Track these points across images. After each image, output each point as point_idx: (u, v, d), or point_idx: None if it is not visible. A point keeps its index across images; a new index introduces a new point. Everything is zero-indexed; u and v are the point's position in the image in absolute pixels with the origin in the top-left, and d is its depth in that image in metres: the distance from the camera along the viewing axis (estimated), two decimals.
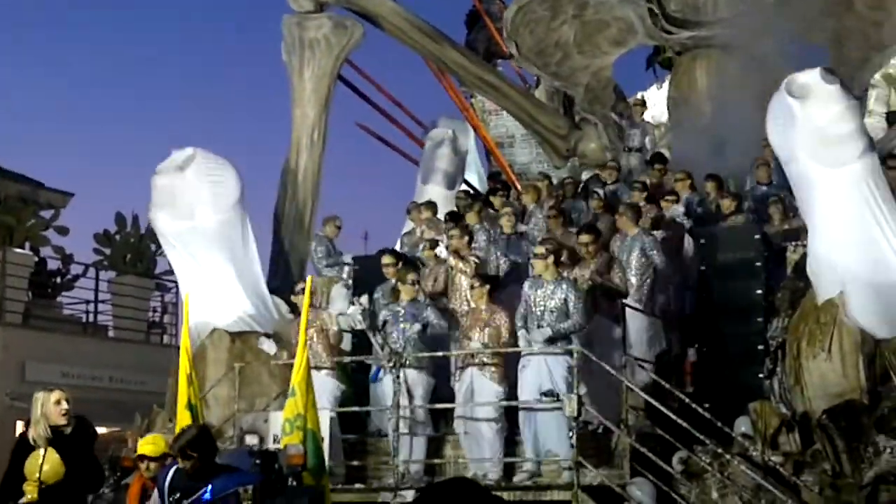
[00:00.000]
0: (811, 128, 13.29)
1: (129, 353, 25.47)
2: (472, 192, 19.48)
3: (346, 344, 15.50)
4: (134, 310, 27.71)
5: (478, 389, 13.65)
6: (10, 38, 62.78)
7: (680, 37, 20.84)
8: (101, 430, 21.36)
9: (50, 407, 10.05)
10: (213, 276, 15.85)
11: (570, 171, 20.73)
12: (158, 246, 27.49)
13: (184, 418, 12.00)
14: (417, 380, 13.76)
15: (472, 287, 14.05)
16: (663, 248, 15.21)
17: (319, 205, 18.17)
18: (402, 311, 14.11)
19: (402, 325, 13.98)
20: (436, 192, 19.34)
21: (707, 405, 13.89)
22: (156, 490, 9.72)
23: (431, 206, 17.50)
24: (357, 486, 13.80)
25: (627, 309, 14.40)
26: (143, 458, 10.73)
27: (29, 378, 24.07)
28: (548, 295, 13.48)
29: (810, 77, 13.52)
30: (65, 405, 10.05)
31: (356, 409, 14.21)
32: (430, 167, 20.14)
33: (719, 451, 13.14)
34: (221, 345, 15.55)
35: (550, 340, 13.39)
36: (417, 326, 13.92)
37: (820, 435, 13.16)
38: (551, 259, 13.54)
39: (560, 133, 21.12)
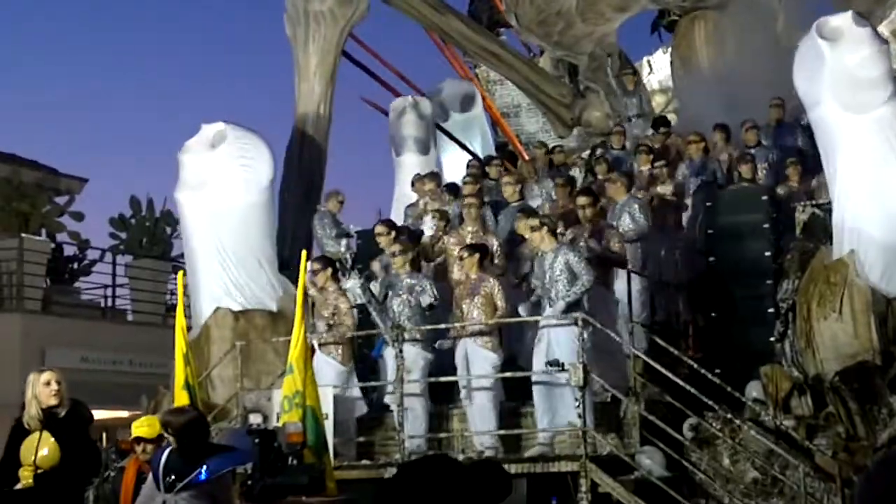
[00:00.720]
0: (840, 70, 12.95)
1: (149, 337, 25.09)
2: (479, 160, 18.84)
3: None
4: (152, 293, 27.37)
5: (472, 359, 13.24)
6: (21, 24, 62.54)
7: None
8: (123, 413, 21.21)
9: (40, 388, 9.77)
10: (226, 255, 15.35)
11: (576, 141, 20.20)
12: (174, 229, 27.28)
13: (181, 398, 11.67)
14: (415, 354, 13.31)
15: (460, 258, 13.59)
16: (667, 212, 14.76)
17: (327, 179, 17.73)
18: (398, 284, 13.69)
19: (398, 298, 13.55)
20: (411, 160, 18.89)
21: (717, 371, 13.46)
22: (151, 473, 9.40)
23: (435, 177, 17.01)
24: (364, 462, 13.38)
25: (622, 274, 13.96)
26: (139, 440, 10.46)
27: (49, 364, 23.86)
28: (549, 265, 13.06)
29: (842, 20, 13.18)
30: (55, 386, 9.77)
31: (360, 384, 13.76)
32: (399, 138, 19.55)
33: (729, 416, 12.68)
34: (225, 324, 15.15)
35: (568, 309, 12.89)
36: (417, 300, 13.50)
37: (832, 398, 12.72)
38: (545, 230, 13.10)
39: (564, 102, 20.62)
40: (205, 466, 9.21)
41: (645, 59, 22.07)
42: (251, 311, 15.20)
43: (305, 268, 11.62)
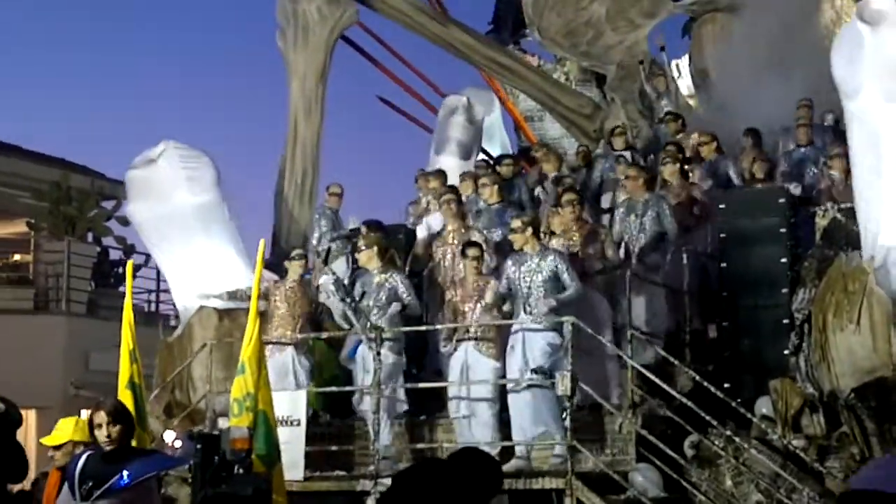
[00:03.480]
0: (882, 58, 11.16)
1: None
2: (490, 161, 17.13)
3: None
4: None
5: (473, 366, 11.54)
6: (63, 32, 61.99)
7: (684, 3, 18.85)
8: None
9: None
10: (197, 256, 14.41)
11: (602, 150, 18.35)
12: None
13: (125, 398, 9.99)
14: (385, 357, 11.54)
15: (463, 255, 11.86)
16: (681, 213, 13.00)
17: (320, 177, 16.42)
18: (367, 281, 12.02)
19: (369, 297, 11.85)
20: (449, 162, 17.18)
21: (727, 385, 11.71)
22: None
23: (441, 174, 15.34)
24: (337, 473, 11.70)
25: (634, 280, 12.16)
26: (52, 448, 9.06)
27: (93, 367, 23.30)
28: (533, 269, 11.41)
29: (885, 2, 11.31)
30: None
31: (332, 389, 12.07)
32: (443, 137, 17.95)
33: (728, 433, 10.87)
34: (209, 323, 13.80)
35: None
36: (388, 298, 11.83)
37: (847, 416, 10.96)
38: (529, 231, 11.43)
39: (584, 113, 18.81)
40: (125, 471, 7.67)
41: (674, 62, 20.26)
42: (237, 310, 13.69)
43: (262, 259, 10.00)
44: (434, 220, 13.86)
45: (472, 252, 11.81)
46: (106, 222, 26.55)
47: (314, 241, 14.84)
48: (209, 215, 14.52)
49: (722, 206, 13.24)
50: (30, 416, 21.18)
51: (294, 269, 12.54)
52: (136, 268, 27.17)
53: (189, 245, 14.43)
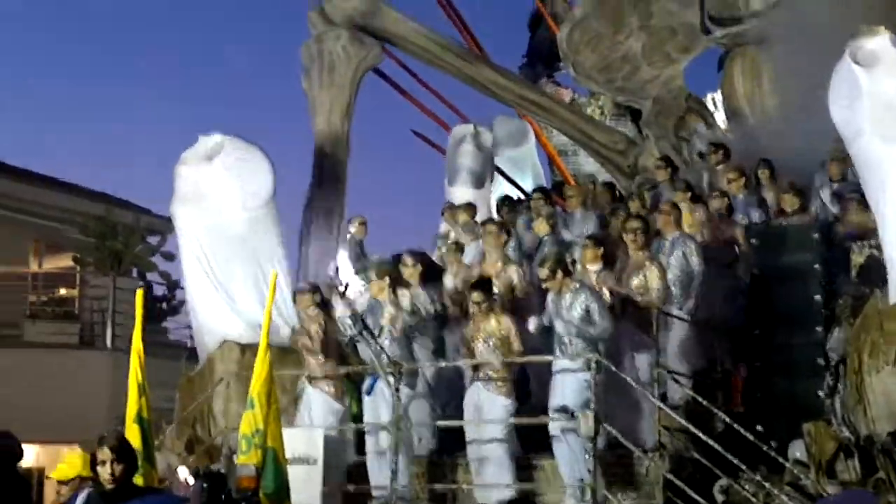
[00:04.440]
0: (879, 99, 10.61)
1: None
2: (514, 198, 16.49)
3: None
4: None
5: (484, 405, 10.90)
6: (111, 68, 62.02)
7: (714, 36, 18.13)
8: None
9: None
10: (230, 280, 13.43)
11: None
12: None
13: (132, 433, 9.46)
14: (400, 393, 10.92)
15: (470, 291, 11.23)
16: (714, 250, 12.34)
17: (346, 211, 16.07)
18: (379, 313, 11.42)
19: (386, 330, 11.26)
20: (463, 193, 16.63)
21: (759, 427, 11.01)
22: None
23: (470, 208, 14.80)
24: None
25: (666, 317, 11.50)
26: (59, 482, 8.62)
27: None
28: (567, 306, 10.72)
29: (879, 42, 10.81)
30: None
31: (351, 426, 11.48)
32: (454, 167, 17.39)
33: (759, 478, 10.19)
34: (231, 357, 13.17)
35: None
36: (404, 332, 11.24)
37: (883, 461, 10.27)
38: (560, 274, 10.77)
39: (618, 149, 18.21)
40: None
41: (710, 95, 19.70)
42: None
43: (274, 290, 9.48)
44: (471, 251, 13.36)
45: (476, 296, 11.17)
46: (151, 257, 26.28)
47: (331, 273, 14.31)
48: (258, 229, 13.44)
49: (754, 241, 12.62)
50: None
51: (302, 303, 11.89)
52: (180, 303, 26.99)
53: (228, 266, 13.43)
